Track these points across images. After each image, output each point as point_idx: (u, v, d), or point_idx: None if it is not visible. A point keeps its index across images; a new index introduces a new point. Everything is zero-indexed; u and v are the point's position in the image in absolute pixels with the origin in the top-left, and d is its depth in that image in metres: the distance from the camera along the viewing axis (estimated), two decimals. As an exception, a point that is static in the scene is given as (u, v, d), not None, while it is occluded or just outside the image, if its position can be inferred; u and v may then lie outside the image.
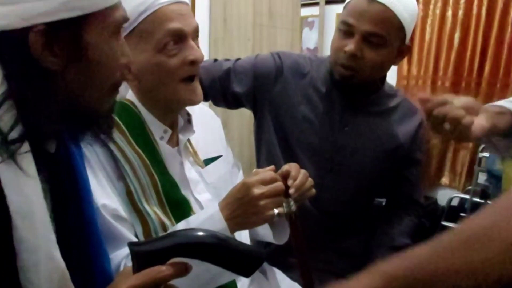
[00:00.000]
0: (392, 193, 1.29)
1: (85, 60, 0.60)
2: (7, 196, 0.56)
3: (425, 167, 1.34)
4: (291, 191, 0.93)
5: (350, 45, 1.09)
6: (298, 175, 0.95)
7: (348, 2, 1.14)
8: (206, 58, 2.71)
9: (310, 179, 0.98)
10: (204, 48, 2.60)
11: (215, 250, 0.60)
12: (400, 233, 1.24)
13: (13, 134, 0.56)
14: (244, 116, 2.33)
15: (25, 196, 0.57)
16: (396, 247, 1.20)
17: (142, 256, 0.60)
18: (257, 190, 0.85)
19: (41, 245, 0.59)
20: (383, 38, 1.09)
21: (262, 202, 0.85)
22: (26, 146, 0.58)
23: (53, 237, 0.61)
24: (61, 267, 0.61)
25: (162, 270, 0.58)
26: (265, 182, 0.87)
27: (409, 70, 2.91)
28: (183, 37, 0.90)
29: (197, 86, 0.95)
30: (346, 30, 1.11)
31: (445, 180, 2.92)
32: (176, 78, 0.91)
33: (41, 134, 0.61)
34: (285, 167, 0.96)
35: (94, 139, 0.70)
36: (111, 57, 0.64)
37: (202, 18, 2.56)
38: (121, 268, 0.85)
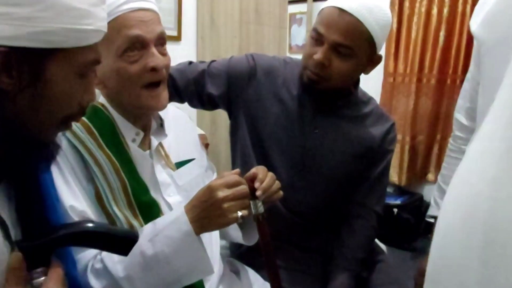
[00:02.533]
0: (351, 196, 1.29)
1: (41, 90, 0.60)
2: None
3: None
4: (258, 193, 0.95)
5: (319, 54, 1.11)
6: (265, 178, 0.98)
7: (322, 9, 1.15)
8: (193, 55, 2.71)
9: (277, 181, 1.00)
10: (192, 46, 2.60)
11: (95, 235, 0.69)
12: (353, 257, 1.24)
13: None
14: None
15: None
16: (352, 270, 1.23)
17: (30, 251, 0.64)
18: (221, 193, 0.88)
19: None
20: (351, 49, 1.10)
21: (225, 205, 0.87)
22: None
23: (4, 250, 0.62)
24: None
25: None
26: (229, 185, 0.89)
27: (395, 67, 2.92)
28: (144, 44, 0.91)
29: (161, 92, 0.96)
30: (316, 38, 1.13)
31: (431, 176, 2.94)
32: (138, 84, 0.93)
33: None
34: (253, 170, 0.99)
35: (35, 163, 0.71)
36: (68, 95, 0.64)
37: (189, 16, 2.56)
38: (88, 269, 0.87)
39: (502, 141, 0.62)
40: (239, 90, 1.26)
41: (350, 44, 1.10)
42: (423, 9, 2.76)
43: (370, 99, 1.30)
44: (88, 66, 0.66)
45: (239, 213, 0.88)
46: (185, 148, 1.13)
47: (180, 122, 1.17)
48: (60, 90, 0.63)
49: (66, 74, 0.63)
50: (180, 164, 1.09)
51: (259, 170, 0.98)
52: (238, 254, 1.29)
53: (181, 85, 1.25)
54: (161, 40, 0.95)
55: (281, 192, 1.01)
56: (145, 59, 0.91)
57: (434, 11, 2.72)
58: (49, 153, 0.71)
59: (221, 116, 2.58)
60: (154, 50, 0.92)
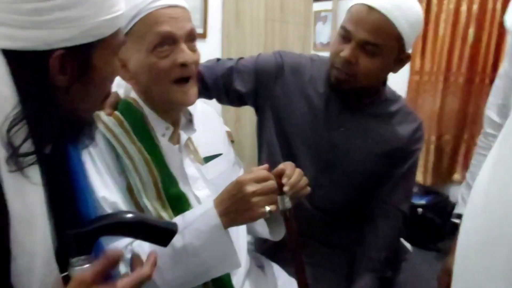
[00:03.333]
0: (376, 194, 1.28)
1: (90, 78, 0.65)
2: (8, 202, 0.60)
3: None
4: (285, 188, 0.96)
5: (346, 51, 1.11)
6: (293, 174, 0.98)
7: (351, 6, 1.15)
8: (219, 53, 2.74)
9: (304, 177, 1.01)
10: (217, 43, 2.62)
11: (137, 226, 0.71)
12: (378, 257, 1.22)
13: (23, 148, 0.60)
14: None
15: (27, 203, 0.62)
16: (376, 271, 1.21)
17: (75, 238, 0.67)
18: (249, 188, 0.88)
19: (37, 251, 0.63)
20: (379, 47, 1.10)
21: (254, 199, 0.88)
22: (33, 157, 0.62)
23: (50, 243, 0.65)
24: (55, 272, 0.66)
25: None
26: (258, 180, 0.90)
27: (422, 65, 2.88)
28: (174, 40, 0.93)
29: (190, 88, 0.98)
30: (344, 35, 1.13)
31: (457, 176, 2.90)
32: (168, 79, 0.95)
33: (46, 145, 0.66)
34: (281, 165, 0.99)
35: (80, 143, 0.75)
36: (110, 76, 0.71)
37: (214, 13, 2.59)
38: None
39: None
40: (266, 88, 1.26)
41: (378, 42, 1.09)
42: (451, 6, 2.71)
43: (398, 98, 1.29)
44: (120, 46, 0.71)
45: (267, 208, 0.89)
46: (213, 143, 1.14)
47: (209, 117, 1.18)
48: (105, 74, 0.69)
49: (108, 59, 0.68)
50: (208, 159, 1.10)
51: (286, 166, 0.99)
52: (263, 250, 1.30)
53: (210, 82, 1.27)
54: (191, 37, 0.96)
55: (308, 188, 1.01)
56: (174, 54, 0.93)
57: (463, 7, 2.67)
58: (92, 132, 0.75)
59: (246, 113, 2.59)
60: (183, 46, 0.94)
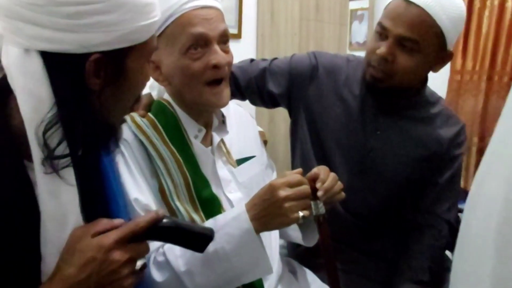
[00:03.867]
0: (419, 203, 1.22)
1: (122, 83, 0.66)
2: (42, 202, 0.61)
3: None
4: (319, 193, 0.93)
5: (382, 48, 1.07)
6: (327, 178, 0.96)
7: (389, 3, 1.11)
8: (253, 53, 2.73)
9: (339, 182, 0.98)
10: (251, 43, 2.62)
11: (174, 231, 0.70)
12: (421, 267, 1.16)
13: (59, 150, 0.61)
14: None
15: (61, 202, 0.63)
16: (418, 282, 1.15)
17: None
18: (282, 192, 0.86)
19: None
20: (417, 43, 1.05)
21: (287, 204, 0.86)
22: (68, 159, 0.63)
23: None
24: None
25: (138, 221, 0.66)
26: (291, 185, 0.88)
27: (463, 64, 2.77)
28: (207, 42, 0.92)
29: (223, 89, 0.97)
30: (381, 32, 1.09)
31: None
32: (200, 81, 0.94)
33: (81, 148, 0.66)
34: (314, 170, 0.97)
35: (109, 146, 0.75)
36: (142, 82, 0.71)
37: (249, 13, 2.58)
38: (151, 261, 0.89)
39: None
40: (300, 89, 1.24)
41: (416, 38, 1.04)
42: (496, 2, 2.59)
43: (438, 100, 1.23)
44: (152, 52, 0.71)
45: (301, 214, 0.87)
46: (246, 145, 1.13)
47: (242, 119, 1.17)
48: (137, 80, 0.69)
49: (141, 64, 0.68)
50: (241, 161, 1.09)
51: (321, 170, 0.96)
52: (295, 254, 1.28)
53: (243, 83, 1.25)
54: (224, 38, 0.95)
55: (343, 194, 0.98)
56: (207, 56, 0.92)
57: (509, 3, 2.55)
58: (118, 137, 0.75)
59: (280, 113, 2.57)
60: (216, 47, 0.93)
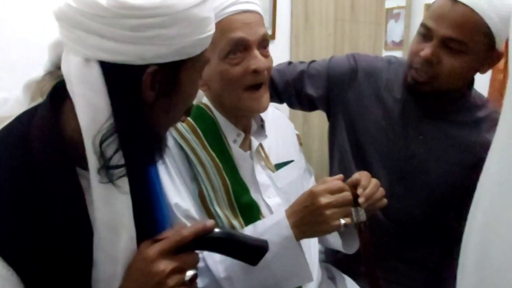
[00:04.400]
0: (462, 215, 1.18)
1: (174, 95, 0.66)
2: (97, 210, 0.62)
3: None
4: (361, 200, 0.91)
5: (426, 50, 1.03)
6: (369, 184, 0.93)
7: (433, 2, 1.07)
8: (287, 54, 2.71)
9: (381, 189, 0.95)
10: (285, 44, 2.60)
11: (224, 242, 0.68)
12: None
13: (114, 160, 0.62)
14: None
15: (115, 210, 0.64)
16: None
17: None
18: (324, 199, 0.85)
19: (120, 258, 0.65)
20: (465, 44, 1.01)
21: (328, 212, 0.85)
22: (123, 169, 0.64)
23: (135, 248, 0.67)
24: None
25: (182, 232, 0.66)
26: (332, 192, 0.86)
27: (505, 62, 2.66)
28: (247, 46, 0.91)
29: (262, 94, 0.96)
30: (424, 33, 1.05)
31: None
32: (240, 86, 0.93)
33: (135, 158, 0.67)
34: (356, 175, 0.95)
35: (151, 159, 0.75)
36: (193, 94, 0.71)
37: (283, 14, 2.56)
38: None
39: None
40: (339, 92, 1.22)
41: (463, 39, 1.00)
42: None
43: (486, 102, 1.18)
44: (205, 65, 0.71)
45: (342, 221, 0.85)
46: (284, 150, 1.12)
47: (280, 123, 1.16)
48: (189, 92, 0.69)
49: (193, 76, 0.68)
50: (279, 166, 1.08)
51: (362, 176, 0.94)
52: (334, 260, 1.25)
53: (280, 86, 1.24)
54: (263, 42, 0.94)
55: (384, 200, 0.96)
56: (247, 61, 0.92)
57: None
58: (163, 148, 0.75)
59: (314, 115, 2.54)
60: (256, 52, 0.92)
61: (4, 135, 0.64)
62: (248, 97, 0.95)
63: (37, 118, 0.65)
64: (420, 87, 1.09)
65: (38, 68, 0.71)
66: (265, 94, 0.97)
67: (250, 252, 0.71)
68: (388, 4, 2.98)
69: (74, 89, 0.61)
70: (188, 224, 0.90)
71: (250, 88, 0.94)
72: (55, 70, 0.67)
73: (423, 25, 1.06)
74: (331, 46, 2.69)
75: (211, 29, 0.68)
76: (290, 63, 1.29)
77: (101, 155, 0.61)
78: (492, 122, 1.14)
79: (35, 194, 0.61)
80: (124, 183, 0.64)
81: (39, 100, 0.69)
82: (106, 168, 0.61)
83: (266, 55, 0.96)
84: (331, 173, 1.28)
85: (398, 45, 3.17)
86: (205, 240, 0.67)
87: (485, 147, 1.11)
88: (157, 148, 0.72)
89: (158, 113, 0.66)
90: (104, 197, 0.63)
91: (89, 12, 0.58)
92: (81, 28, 0.60)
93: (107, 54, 0.60)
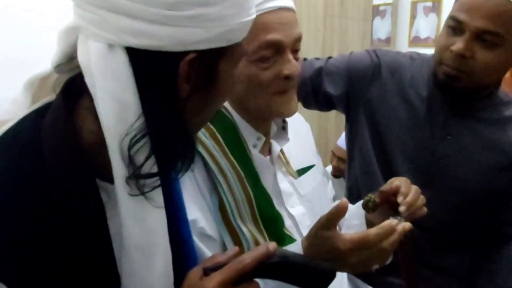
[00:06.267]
0: (498, 218, 1.11)
1: (210, 90, 0.56)
2: (124, 227, 0.52)
3: None
4: (401, 209, 0.83)
5: (459, 44, 0.96)
6: (409, 192, 0.85)
7: None
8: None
9: (422, 196, 0.88)
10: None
11: (286, 268, 0.59)
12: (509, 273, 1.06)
13: (146, 168, 0.51)
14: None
15: (148, 228, 0.53)
16: None
17: None
18: (353, 259, 0.75)
19: (156, 284, 0.54)
20: (500, 36, 0.94)
21: (357, 265, 0.76)
22: (156, 179, 0.53)
23: (171, 275, 0.56)
24: None
25: (243, 259, 0.56)
26: (364, 248, 0.75)
27: None
28: (281, 49, 0.80)
29: (292, 98, 0.86)
30: (455, 26, 0.98)
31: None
32: (268, 91, 0.83)
33: (170, 166, 0.56)
34: (395, 182, 0.87)
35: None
36: (231, 87, 0.61)
37: (270, 9, 2.48)
38: None
39: None
40: (360, 90, 1.13)
41: (500, 30, 0.94)
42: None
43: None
44: (242, 57, 0.61)
45: (374, 267, 0.77)
46: (304, 154, 1.02)
47: (297, 123, 1.06)
48: (225, 87, 0.58)
49: (231, 69, 0.59)
50: (301, 172, 0.98)
51: (402, 182, 0.86)
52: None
53: None
54: (297, 44, 0.84)
55: (425, 209, 0.88)
56: (279, 65, 0.81)
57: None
58: (192, 156, 0.64)
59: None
60: (290, 56, 0.81)
61: (7, 144, 0.53)
62: (277, 102, 0.84)
63: (48, 121, 0.53)
64: (454, 83, 1.01)
65: (24, 68, 0.59)
66: (294, 98, 0.87)
67: (316, 277, 0.61)
68: (375, 1, 2.94)
69: (96, 82, 0.50)
70: (201, 244, 0.80)
71: (278, 93, 0.84)
72: (67, 63, 0.55)
73: (452, 18, 0.99)
74: (320, 41, 2.63)
75: (253, 13, 0.59)
76: (305, 59, 1.19)
77: (130, 161, 0.50)
78: None
79: (50, 216, 0.50)
80: (158, 195, 0.54)
81: (46, 99, 0.58)
82: (136, 177, 0.50)
83: (297, 58, 0.85)
84: (351, 171, 1.20)
85: (384, 42, 3.14)
86: (266, 266, 0.57)
87: None
88: (190, 154, 0.60)
89: (191, 112, 0.55)
90: (134, 213, 0.52)
91: None
92: (105, 7, 0.48)
93: (137, 38, 0.49)
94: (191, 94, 0.53)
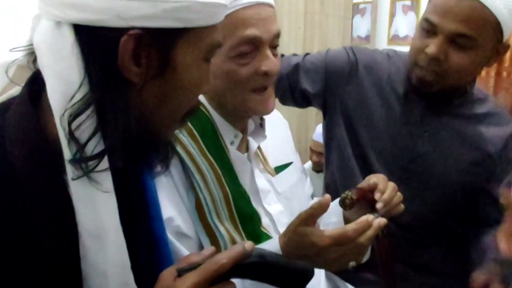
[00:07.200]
0: (474, 212, 1.11)
1: (169, 79, 0.53)
2: (77, 211, 0.51)
3: None
4: (378, 205, 0.84)
5: (432, 47, 0.96)
6: (386, 189, 0.85)
7: None
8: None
9: (399, 193, 0.88)
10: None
11: (264, 267, 0.59)
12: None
13: (91, 147, 0.50)
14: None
15: (98, 213, 0.51)
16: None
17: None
18: (332, 255, 0.76)
19: (110, 271, 0.53)
20: (474, 39, 0.95)
21: (334, 261, 0.77)
22: (105, 162, 0.51)
23: (127, 261, 0.54)
24: None
25: (219, 259, 0.55)
26: (341, 244, 0.76)
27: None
28: (259, 45, 0.79)
29: (269, 96, 0.85)
30: (428, 28, 0.98)
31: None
32: (246, 88, 0.82)
33: (119, 149, 0.53)
34: (373, 179, 0.87)
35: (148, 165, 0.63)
36: (195, 84, 0.57)
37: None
38: None
39: None
40: (337, 88, 1.13)
41: (472, 34, 0.94)
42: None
43: (487, 97, 1.13)
44: (214, 49, 0.58)
45: (350, 264, 0.77)
46: (281, 150, 1.02)
47: (274, 120, 1.05)
48: (188, 78, 0.55)
49: (195, 59, 0.55)
50: (278, 169, 0.98)
51: (379, 179, 0.87)
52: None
53: None
54: (276, 41, 0.83)
55: (402, 206, 0.89)
56: (257, 61, 0.80)
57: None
58: (166, 155, 0.62)
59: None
60: (268, 52, 0.80)
61: None
62: (254, 99, 0.83)
63: (12, 115, 0.51)
64: (427, 88, 1.02)
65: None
66: (272, 96, 0.86)
67: (294, 277, 0.60)
68: (355, -1, 2.96)
69: (44, 62, 0.49)
70: (177, 242, 0.78)
71: (256, 89, 0.83)
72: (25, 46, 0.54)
73: (426, 20, 0.99)
74: (300, 39, 2.63)
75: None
76: (282, 55, 1.18)
77: (72, 138, 0.48)
78: (494, 117, 1.10)
79: (16, 214, 0.49)
80: (106, 179, 0.52)
81: (11, 91, 0.56)
82: (80, 158, 0.49)
83: (276, 54, 0.84)
84: (327, 172, 1.20)
85: (363, 40, 3.15)
86: (242, 266, 0.56)
87: (490, 143, 1.08)
88: (151, 148, 0.59)
89: (148, 101, 0.53)
90: (82, 198, 0.51)
91: None
92: None
93: (79, 13, 0.48)
94: (147, 81, 0.51)
